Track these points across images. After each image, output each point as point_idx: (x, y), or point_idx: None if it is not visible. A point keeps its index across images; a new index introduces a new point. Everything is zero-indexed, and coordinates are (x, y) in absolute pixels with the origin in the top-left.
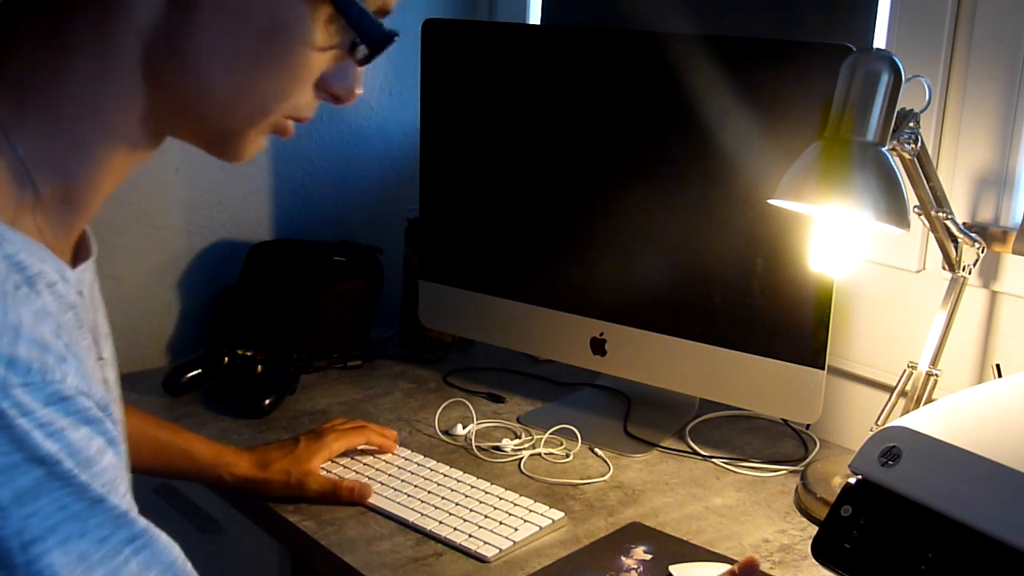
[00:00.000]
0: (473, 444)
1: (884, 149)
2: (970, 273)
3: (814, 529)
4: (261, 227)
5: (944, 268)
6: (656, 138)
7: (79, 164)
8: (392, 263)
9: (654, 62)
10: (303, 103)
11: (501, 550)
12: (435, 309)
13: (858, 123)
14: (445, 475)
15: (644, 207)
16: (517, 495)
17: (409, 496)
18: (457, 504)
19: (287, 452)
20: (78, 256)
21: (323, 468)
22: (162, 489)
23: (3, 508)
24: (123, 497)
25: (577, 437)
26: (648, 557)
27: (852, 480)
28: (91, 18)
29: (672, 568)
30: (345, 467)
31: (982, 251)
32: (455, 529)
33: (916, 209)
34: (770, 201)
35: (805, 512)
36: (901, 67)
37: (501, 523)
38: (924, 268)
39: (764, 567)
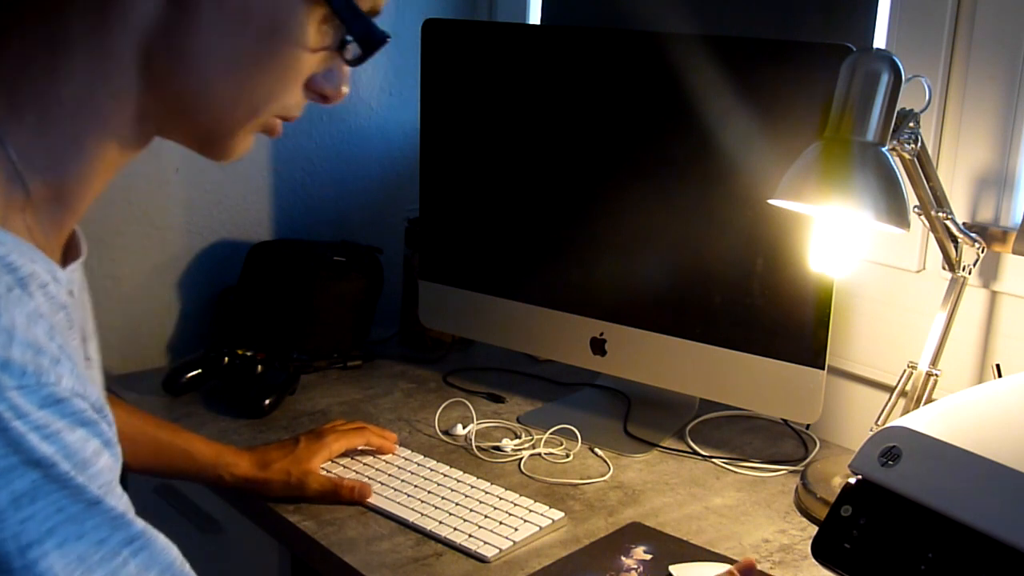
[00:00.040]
0: (473, 444)
1: (884, 149)
2: (970, 273)
3: (814, 529)
4: (261, 227)
5: (944, 268)
6: (656, 138)
7: (71, 163)
8: (392, 263)
9: (654, 62)
10: (293, 103)
11: (501, 550)
12: (435, 309)
13: (858, 123)
14: (445, 475)
15: (644, 207)
16: (517, 495)
17: (409, 496)
18: (457, 504)
19: (287, 452)
20: (68, 255)
21: (323, 468)
22: (162, 489)
23: (0, 512)
24: (120, 498)
25: (577, 437)
26: (648, 557)
27: (852, 480)
28: (88, 18)
29: (672, 568)
30: (345, 467)
31: (982, 251)
32: (455, 529)
33: (916, 209)
34: (770, 201)
35: (805, 512)
36: (901, 67)
37: (501, 523)
38: (924, 268)
39: (764, 567)
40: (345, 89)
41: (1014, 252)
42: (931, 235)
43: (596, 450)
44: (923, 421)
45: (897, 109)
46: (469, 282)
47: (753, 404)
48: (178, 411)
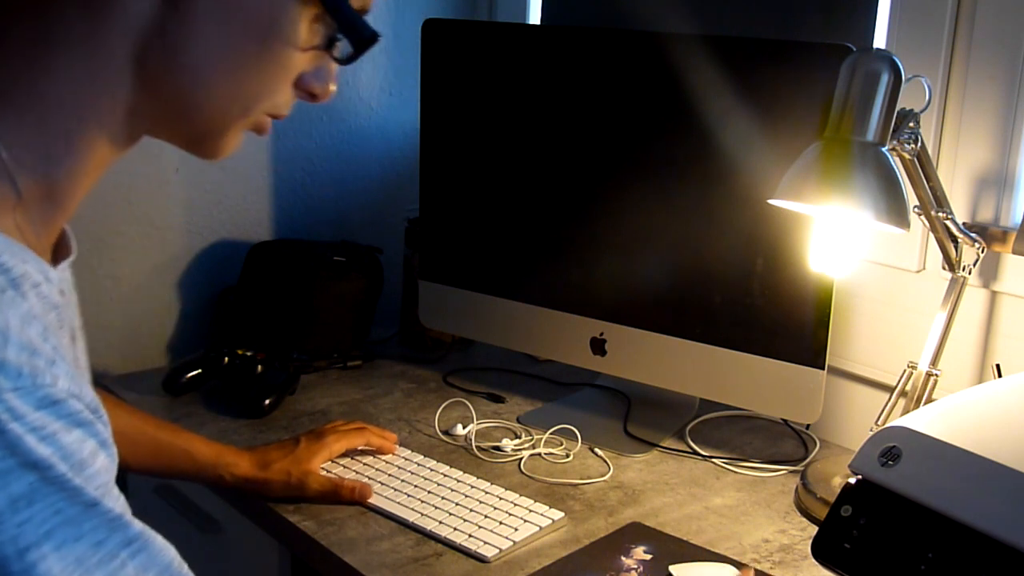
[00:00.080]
0: (473, 444)
1: (884, 149)
2: (970, 273)
3: (814, 529)
4: (261, 227)
5: (944, 268)
6: (656, 138)
7: (62, 162)
8: (392, 263)
9: (654, 62)
10: (283, 101)
11: (501, 550)
12: (435, 309)
13: (858, 123)
14: (445, 475)
15: (644, 207)
16: (517, 495)
17: (409, 496)
18: (457, 504)
19: (287, 452)
20: (58, 254)
21: (323, 468)
22: (162, 489)
23: None
24: (117, 499)
25: (577, 437)
26: (648, 557)
27: (852, 480)
28: (82, 15)
29: (672, 568)
30: (345, 467)
31: (982, 251)
32: (455, 529)
33: (916, 209)
34: (770, 201)
35: (805, 512)
36: (901, 67)
37: (501, 523)
38: (924, 268)
39: (764, 567)
40: (333, 87)
41: (1014, 252)
42: (931, 235)
43: (596, 450)
44: (923, 421)
45: (897, 109)
46: (469, 282)
47: (753, 404)
48: (178, 411)
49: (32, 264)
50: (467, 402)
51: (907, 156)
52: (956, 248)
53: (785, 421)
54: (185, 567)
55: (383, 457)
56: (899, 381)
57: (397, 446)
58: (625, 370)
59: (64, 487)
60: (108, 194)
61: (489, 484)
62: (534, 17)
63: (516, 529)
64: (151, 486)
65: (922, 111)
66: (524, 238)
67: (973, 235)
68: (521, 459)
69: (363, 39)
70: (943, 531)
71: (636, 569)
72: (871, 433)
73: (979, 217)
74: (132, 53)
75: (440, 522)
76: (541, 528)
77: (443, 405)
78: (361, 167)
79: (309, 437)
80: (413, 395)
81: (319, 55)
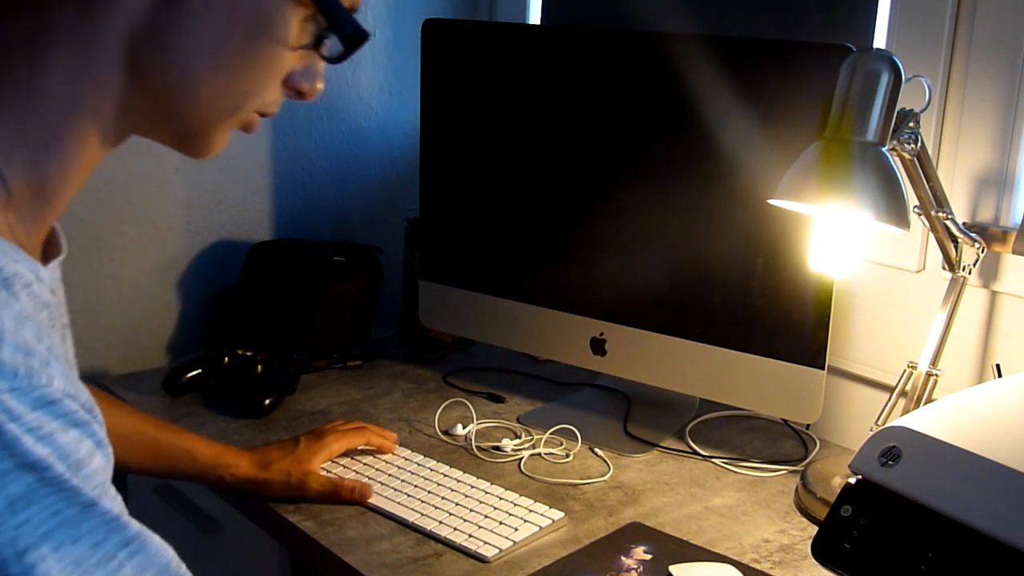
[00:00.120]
0: (473, 444)
1: (884, 149)
2: (970, 273)
3: (814, 529)
4: (261, 227)
5: (944, 268)
6: (656, 138)
7: (52, 160)
8: (392, 263)
9: (654, 62)
10: (272, 99)
11: (501, 550)
12: (435, 309)
13: (858, 123)
14: (445, 475)
15: (644, 207)
16: (517, 495)
17: (409, 496)
18: (457, 504)
19: (287, 452)
20: (48, 253)
21: (323, 468)
22: (162, 489)
23: None
24: (114, 500)
25: (577, 437)
26: (648, 557)
27: (852, 480)
28: (74, 13)
29: (672, 568)
30: (345, 467)
31: (982, 251)
32: (455, 529)
33: (916, 209)
34: (770, 201)
35: (805, 512)
36: (901, 67)
37: (501, 523)
38: (924, 268)
39: (764, 567)
40: (320, 85)
41: (1014, 252)
42: (931, 235)
43: (596, 450)
44: (923, 421)
45: (897, 109)
46: (469, 282)
47: (753, 404)
48: (178, 411)
49: (23, 263)
50: (467, 402)
51: (907, 156)
52: (956, 248)
53: (785, 421)
54: (183, 567)
55: (383, 457)
56: (899, 381)
57: (397, 446)
58: (625, 370)
59: (62, 488)
60: (108, 194)
61: (489, 484)
62: (534, 17)
63: (516, 529)
64: (151, 486)
65: (922, 111)
66: (524, 238)
67: (973, 235)
68: (521, 459)
69: (355, 38)
70: (943, 531)
71: (636, 569)
72: (871, 433)
73: (979, 217)
74: (125, 51)
75: (440, 522)
76: (541, 528)
77: (443, 405)
78: (361, 167)
79: (309, 437)
80: (413, 395)
81: (308, 54)
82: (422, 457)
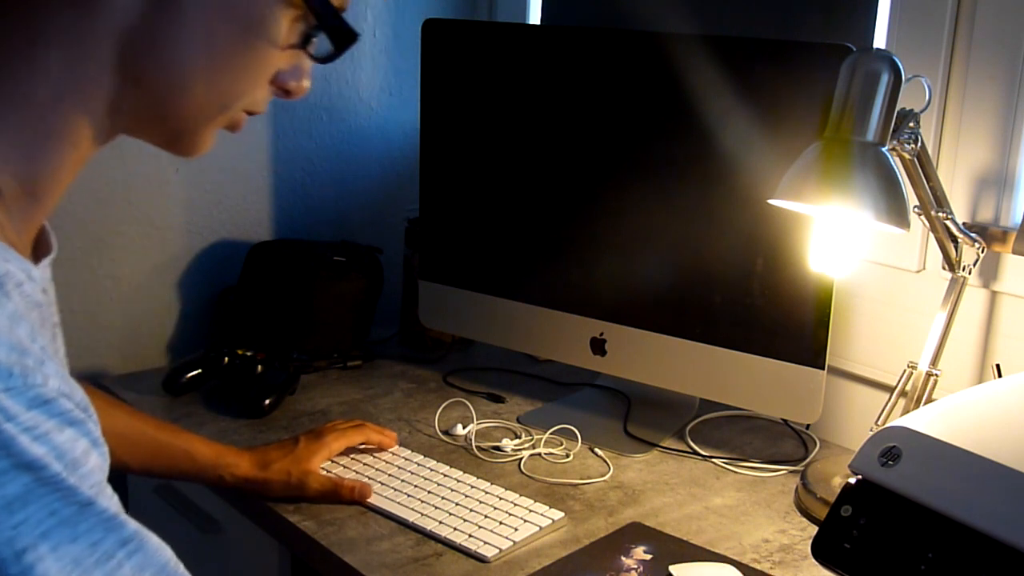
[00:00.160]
0: (473, 444)
1: (884, 149)
2: (970, 273)
3: (814, 529)
4: (261, 227)
5: (944, 268)
6: (656, 138)
7: (43, 159)
8: (392, 263)
9: (654, 62)
10: (261, 98)
11: (501, 550)
12: (435, 309)
13: (858, 123)
14: (445, 475)
15: (644, 207)
16: (517, 495)
17: (409, 496)
18: (457, 504)
19: (287, 452)
20: (38, 252)
21: (323, 468)
22: (162, 489)
23: None
24: (111, 499)
25: (577, 437)
26: (648, 557)
27: (852, 480)
28: (67, 13)
29: (672, 568)
30: (345, 467)
31: (982, 251)
32: (455, 529)
33: (916, 209)
34: (770, 201)
35: (805, 512)
36: (901, 67)
37: (501, 523)
38: (924, 268)
39: (764, 567)
40: (307, 83)
41: (1014, 252)
42: (931, 235)
43: (596, 450)
44: (923, 421)
45: (897, 109)
46: (469, 282)
47: (753, 404)
48: (178, 411)
49: (15, 263)
50: (467, 402)
51: (907, 156)
52: (956, 248)
53: (785, 421)
54: (181, 566)
55: (383, 457)
56: (899, 381)
57: (397, 446)
58: (625, 370)
59: (59, 487)
60: (108, 194)
61: (489, 484)
62: (534, 17)
63: (516, 529)
64: (151, 486)
65: (922, 111)
66: (524, 238)
67: (973, 235)
68: (521, 459)
69: (345, 38)
70: (943, 531)
71: (636, 569)
72: (871, 433)
73: (979, 217)
74: (117, 50)
75: (440, 522)
76: (541, 528)
77: (443, 405)
78: (361, 167)
79: (308, 437)
80: (413, 395)
81: (296, 53)
82: (422, 457)
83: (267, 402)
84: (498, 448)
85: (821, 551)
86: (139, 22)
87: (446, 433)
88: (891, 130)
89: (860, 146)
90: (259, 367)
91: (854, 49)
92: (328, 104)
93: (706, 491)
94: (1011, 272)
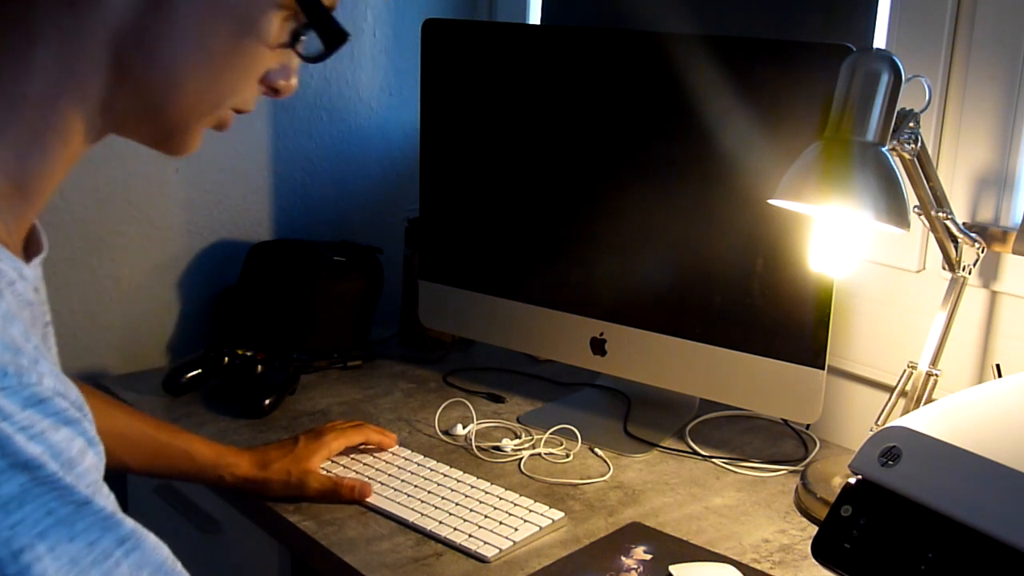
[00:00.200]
0: (473, 444)
1: (884, 149)
2: (970, 273)
3: (814, 529)
4: (261, 227)
5: (944, 268)
6: (656, 138)
7: (34, 158)
8: (392, 263)
9: (654, 62)
10: (250, 97)
11: (501, 550)
12: (435, 309)
13: (858, 123)
14: (445, 475)
15: (644, 207)
16: (517, 495)
17: (409, 496)
18: (457, 504)
19: (287, 452)
20: (29, 251)
21: (323, 468)
22: (162, 489)
23: None
24: (108, 498)
25: (577, 437)
26: (648, 557)
27: (852, 480)
28: (60, 12)
29: (672, 568)
30: (345, 467)
31: (982, 251)
32: (455, 529)
33: (916, 209)
34: (770, 201)
35: (805, 512)
36: (901, 67)
37: (501, 523)
38: (924, 268)
39: (764, 567)
40: (294, 82)
41: (1014, 252)
42: (931, 235)
43: (596, 450)
44: (923, 421)
45: (897, 109)
46: (469, 282)
47: (753, 404)
48: (178, 411)
49: (6, 262)
50: (467, 402)
51: (907, 156)
52: (956, 248)
53: (785, 421)
54: (179, 565)
55: (383, 457)
56: (899, 381)
57: (397, 445)
58: (625, 370)
59: (56, 486)
60: (108, 194)
61: (489, 484)
62: (534, 17)
63: (516, 529)
64: (151, 486)
65: (922, 111)
66: (524, 238)
67: (973, 235)
68: (521, 459)
69: (335, 38)
70: (943, 531)
71: (636, 569)
72: (871, 433)
73: (979, 217)
74: (110, 48)
75: (440, 522)
76: (541, 528)
77: (443, 405)
78: (361, 167)
79: (308, 436)
80: (413, 395)
81: (285, 52)
82: (422, 457)
83: (267, 402)
84: (498, 448)
85: (821, 551)
86: (133, 21)
87: (446, 433)
88: (891, 130)
89: (860, 146)
90: (259, 367)
91: (854, 49)
92: (328, 104)
93: (706, 491)
94: (1011, 272)
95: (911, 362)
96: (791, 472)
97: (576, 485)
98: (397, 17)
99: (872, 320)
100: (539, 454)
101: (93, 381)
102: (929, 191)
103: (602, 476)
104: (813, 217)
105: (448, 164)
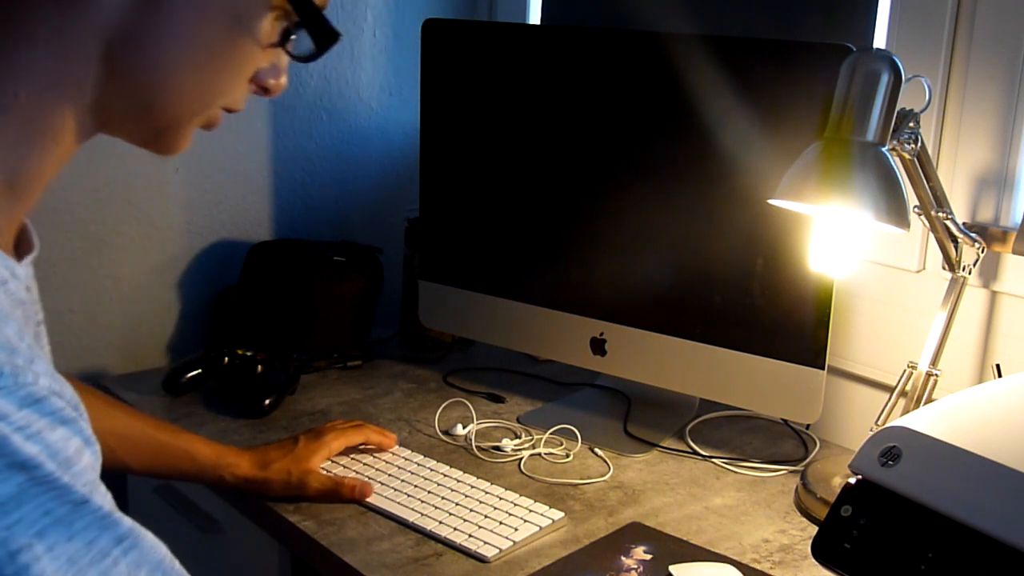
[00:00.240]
0: (473, 444)
1: (884, 149)
2: (970, 273)
3: (814, 529)
4: (261, 227)
5: (944, 268)
6: (656, 138)
7: (25, 157)
8: (392, 263)
9: (654, 62)
10: (240, 96)
11: (501, 550)
12: (435, 309)
13: (858, 123)
14: (445, 475)
15: (644, 207)
16: (517, 495)
17: (409, 496)
18: (457, 504)
19: (287, 452)
20: (20, 250)
21: (323, 468)
22: (162, 489)
23: None
24: (105, 497)
25: (577, 437)
26: (648, 557)
27: (852, 480)
28: (52, 11)
29: (672, 568)
30: (345, 467)
31: (982, 251)
32: (455, 529)
33: (916, 209)
34: (770, 201)
35: (805, 512)
36: (901, 67)
37: (501, 523)
38: (924, 268)
39: (764, 567)
40: (284, 80)
41: (1014, 252)
42: (931, 235)
43: (596, 450)
44: (923, 421)
45: (897, 109)
46: (469, 282)
47: (753, 404)
48: (178, 411)
49: None
50: (467, 402)
51: (907, 156)
52: (956, 248)
53: (785, 421)
54: (177, 563)
55: (383, 457)
56: (899, 381)
57: (397, 446)
58: (625, 370)
59: (53, 486)
60: (108, 194)
61: (489, 484)
62: (534, 17)
63: (516, 529)
64: (151, 486)
65: (922, 111)
66: (524, 238)
67: (973, 235)
68: (521, 459)
69: (327, 37)
70: (943, 531)
71: (636, 569)
72: (871, 433)
73: (979, 217)
74: (101, 48)
75: (440, 522)
76: (541, 528)
77: (443, 405)
78: (361, 167)
79: (308, 436)
80: (413, 395)
81: (275, 51)
82: (422, 457)
83: (267, 402)
84: (498, 448)
85: (821, 551)
86: (125, 20)
87: (446, 433)
88: (891, 130)
89: (860, 146)
90: (259, 367)
91: (854, 49)
92: (328, 104)
93: (706, 491)
94: (1011, 272)
95: (911, 362)
96: (791, 472)
97: (576, 485)
98: (397, 17)
99: (872, 320)
100: (539, 454)
101: (93, 381)
102: (929, 191)
103: (602, 476)
104: (813, 217)
105: (448, 164)
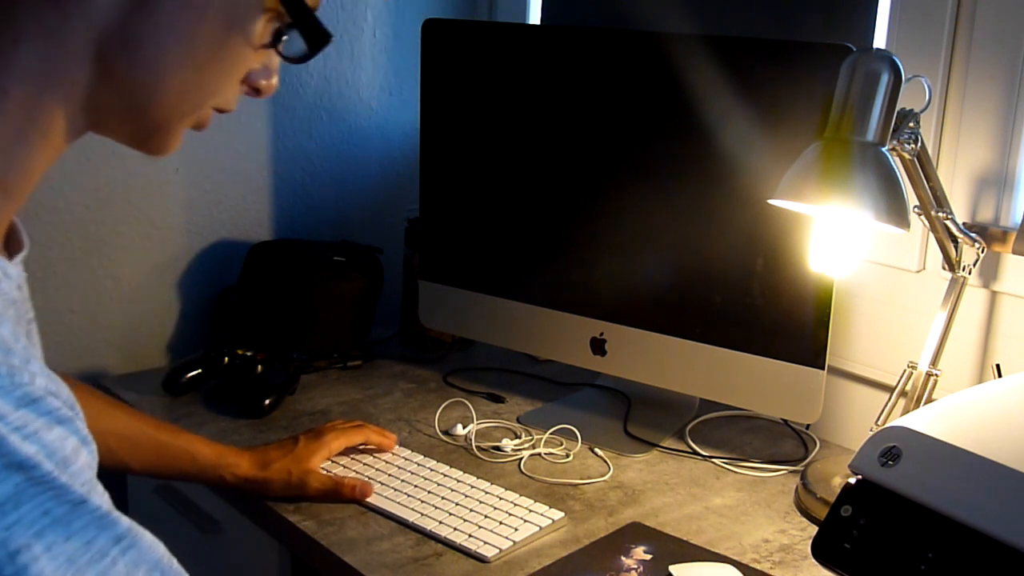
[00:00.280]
0: (473, 444)
1: (884, 149)
2: (970, 273)
3: (814, 529)
4: (261, 227)
5: (944, 268)
6: (656, 138)
7: (16, 156)
8: (392, 263)
9: (654, 62)
10: (232, 96)
11: (501, 550)
12: (435, 309)
13: (858, 123)
14: (445, 475)
15: (644, 207)
16: (517, 495)
17: (409, 496)
18: (457, 504)
19: (287, 452)
20: (10, 249)
21: (323, 468)
22: (162, 489)
23: None
24: (103, 496)
25: (577, 437)
26: (648, 557)
27: (852, 480)
28: (45, 10)
29: (672, 568)
30: (345, 467)
31: (982, 251)
32: (455, 529)
33: (916, 209)
34: (770, 201)
35: (805, 512)
36: (901, 67)
37: (501, 523)
38: (924, 268)
39: (764, 567)
40: (275, 81)
41: (1014, 252)
42: (931, 235)
43: (596, 450)
44: (923, 421)
45: (897, 109)
46: (469, 282)
47: (753, 404)
48: (178, 411)
49: None
50: (467, 402)
51: (907, 156)
52: (956, 248)
53: (785, 421)
54: (175, 562)
55: (383, 457)
56: (899, 381)
57: (397, 446)
58: (625, 370)
59: (51, 486)
60: (108, 194)
61: (489, 484)
62: (534, 17)
63: (516, 529)
64: (151, 486)
65: (922, 111)
66: (524, 238)
67: (973, 235)
68: (521, 459)
69: (319, 38)
70: (943, 531)
71: (636, 569)
72: (871, 433)
73: (979, 217)
74: (94, 47)
75: (440, 522)
76: (541, 528)
77: (443, 405)
78: (361, 167)
79: (308, 436)
80: (413, 395)
81: (267, 52)
82: (422, 457)
83: (267, 402)
84: (498, 448)
85: (821, 551)
86: (117, 20)
87: (446, 433)
88: (891, 130)
89: (860, 146)
90: (259, 367)
91: (854, 49)
92: (328, 104)
93: (706, 491)
94: (1011, 272)
95: (911, 362)
96: (791, 472)
97: (576, 485)
98: (397, 17)
99: (872, 320)
100: (539, 454)
101: (93, 381)
102: (929, 191)
103: (602, 476)
104: (813, 217)
105: (448, 164)
